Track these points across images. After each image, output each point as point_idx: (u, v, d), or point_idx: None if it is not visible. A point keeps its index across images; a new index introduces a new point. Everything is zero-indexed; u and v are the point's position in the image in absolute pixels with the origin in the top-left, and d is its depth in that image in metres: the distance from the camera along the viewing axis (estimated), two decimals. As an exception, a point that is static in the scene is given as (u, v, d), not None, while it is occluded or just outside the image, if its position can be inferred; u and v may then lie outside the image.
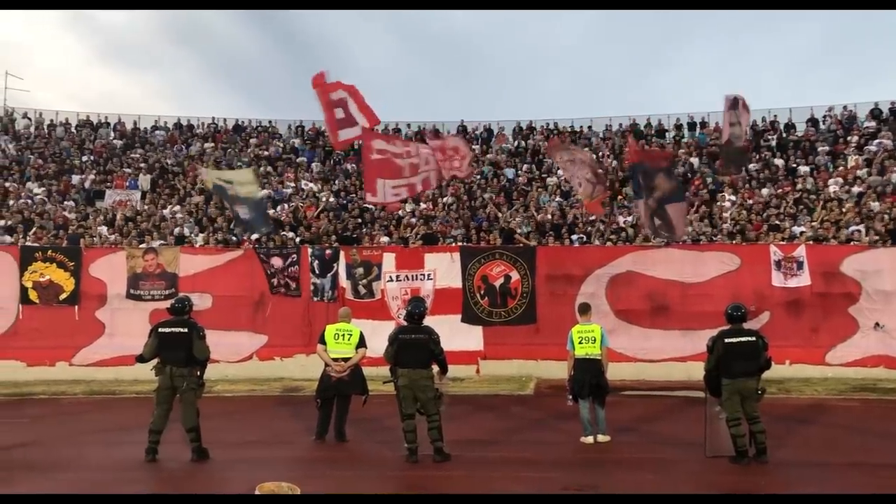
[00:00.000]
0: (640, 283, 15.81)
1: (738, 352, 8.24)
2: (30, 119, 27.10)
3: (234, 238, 18.22)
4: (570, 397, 9.51)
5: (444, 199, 21.01)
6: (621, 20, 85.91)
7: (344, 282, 16.40)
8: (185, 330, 8.55)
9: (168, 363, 8.51)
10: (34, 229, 18.93)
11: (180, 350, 8.48)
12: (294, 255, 16.50)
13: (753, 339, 8.35)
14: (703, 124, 24.68)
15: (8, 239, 18.45)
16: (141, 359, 8.75)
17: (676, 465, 8.35)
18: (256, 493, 5.62)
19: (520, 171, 22.75)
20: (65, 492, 7.20)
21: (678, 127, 25.15)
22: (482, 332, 16.06)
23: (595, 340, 9.38)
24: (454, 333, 14.55)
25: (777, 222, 17.60)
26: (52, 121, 27.19)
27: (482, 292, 16.16)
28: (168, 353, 8.53)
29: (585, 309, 9.99)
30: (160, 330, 8.65)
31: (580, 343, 9.41)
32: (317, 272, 16.45)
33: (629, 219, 18.48)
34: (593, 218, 18.71)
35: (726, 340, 8.31)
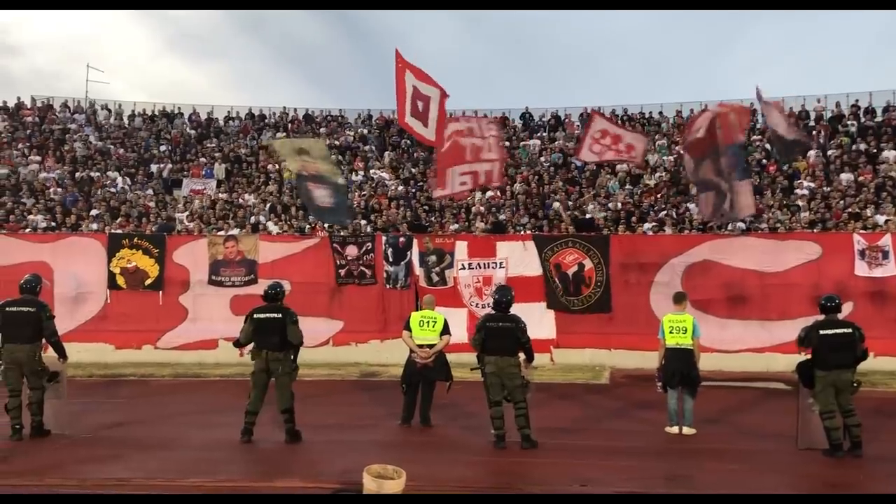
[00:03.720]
0: (716, 272, 15.49)
1: (834, 343, 8.11)
2: (109, 110, 28.04)
3: (309, 226, 18.61)
4: (660, 385, 9.51)
5: (513, 188, 21.00)
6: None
7: (417, 269, 16.58)
8: (279, 315, 8.83)
9: (264, 348, 8.82)
10: (119, 218, 19.68)
11: (275, 335, 8.77)
12: (369, 244, 16.75)
13: (850, 330, 8.23)
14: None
15: (94, 227, 19.25)
16: (237, 343, 9.08)
17: (768, 457, 8.28)
18: (364, 475, 5.86)
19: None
20: (173, 470, 7.58)
21: (752, 112, 24.49)
22: (554, 320, 16.07)
23: (686, 331, 9.33)
24: (527, 322, 14.53)
25: (858, 210, 17.09)
26: (131, 111, 28.07)
27: (556, 280, 16.14)
28: (263, 338, 8.82)
29: (680, 298, 9.93)
30: (255, 315, 8.93)
31: (671, 333, 9.38)
32: (390, 260, 16.66)
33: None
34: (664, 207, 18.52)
35: (821, 332, 8.18)
